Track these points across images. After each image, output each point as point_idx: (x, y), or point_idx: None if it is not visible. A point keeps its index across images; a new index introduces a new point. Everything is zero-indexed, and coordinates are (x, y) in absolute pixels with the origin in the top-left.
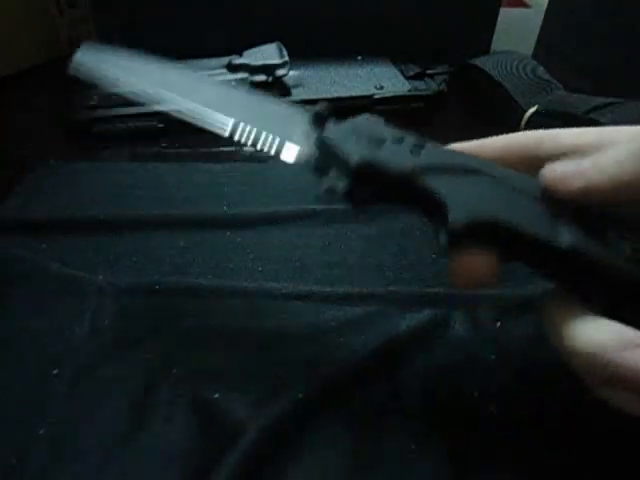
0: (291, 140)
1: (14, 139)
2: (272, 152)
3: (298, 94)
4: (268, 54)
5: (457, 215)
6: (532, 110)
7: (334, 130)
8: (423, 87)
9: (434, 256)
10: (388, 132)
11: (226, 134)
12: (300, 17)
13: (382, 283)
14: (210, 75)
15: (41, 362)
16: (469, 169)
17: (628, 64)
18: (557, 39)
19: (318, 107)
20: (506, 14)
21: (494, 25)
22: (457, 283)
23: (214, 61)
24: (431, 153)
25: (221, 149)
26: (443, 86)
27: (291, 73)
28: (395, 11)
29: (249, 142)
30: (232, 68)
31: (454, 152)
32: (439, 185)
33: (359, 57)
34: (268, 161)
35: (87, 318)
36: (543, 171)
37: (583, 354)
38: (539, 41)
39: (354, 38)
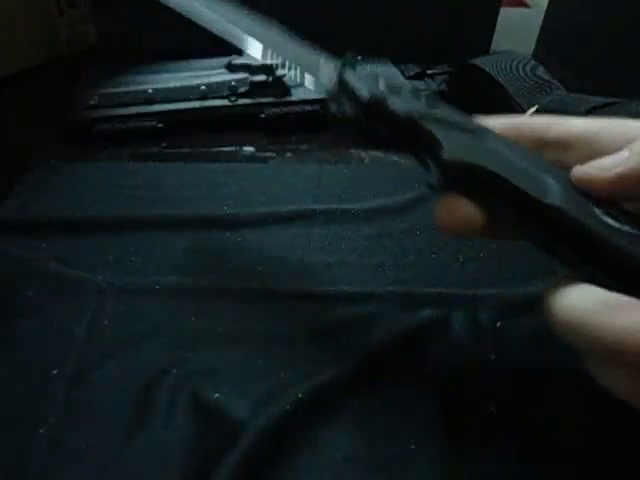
0: (316, 76)
1: (14, 139)
2: (297, 81)
3: (298, 94)
4: None
5: (450, 154)
6: (532, 110)
7: (357, 72)
8: (423, 87)
9: (434, 256)
10: (408, 85)
11: (259, 57)
12: (300, 17)
13: (382, 283)
14: (210, 75)
15: (41, 362)
16: (473, 128)
17: (628, 64)
18: (557, 39)
19: (349, 53)
20: (506, 14)
21: (494, 25)
22: (441, 227)
23: (214, 61)
24: (443, 109)
25: (221, 149)
26: (443, 86)
27: (291, 73)
28: (395, 11)
29: (279, 65)
30: (232, 68)
31: (465, 115)
32: (440, 131)
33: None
34: (268, 161)
35: (87, 318)
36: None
37: (567, 322)
38: (539, 41)
39: (354, 38)
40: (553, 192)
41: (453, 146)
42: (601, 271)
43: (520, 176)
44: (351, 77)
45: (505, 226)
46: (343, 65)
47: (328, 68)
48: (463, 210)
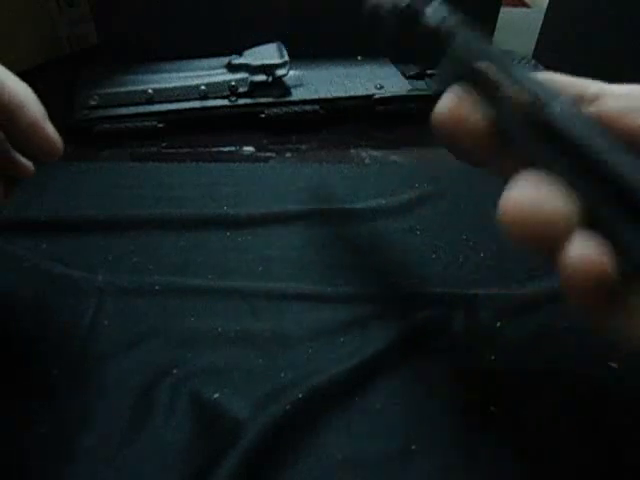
0: None
1: None
2: None
3: (298, 94)
4: (268, 54)
5: (459, 52)
6: None
7: None
8: (423, 87)
9: (434, 256)
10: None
11: None
12: (300, 17)
13: (382, 283)
14: (210, 75)
15: (41, 362)
16: (491, 55)
17: (628, 63)
18: (557, 39)
19: None
20: (506, 14)
21: (494, 25)
22: (437, 122)
23: (214, 61)
24: (465, 36)
25: (221, 149)
26: None
27: (291, 73)
28: None
29: None
30: (232, 68)
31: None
32: (457, 42)
33: (359, 57)
34: (268, 161)
35: (87, 318)
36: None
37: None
38: (539, 41)
39: (354, 37)
40: (554, 106)
41: (465, 47)
42: (597, 192)
43: (524, 86)
44: None
45: (502, 143)
46: None
47: None
48: (465, 107)
